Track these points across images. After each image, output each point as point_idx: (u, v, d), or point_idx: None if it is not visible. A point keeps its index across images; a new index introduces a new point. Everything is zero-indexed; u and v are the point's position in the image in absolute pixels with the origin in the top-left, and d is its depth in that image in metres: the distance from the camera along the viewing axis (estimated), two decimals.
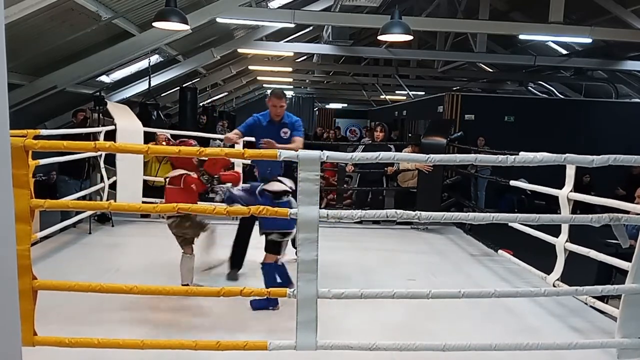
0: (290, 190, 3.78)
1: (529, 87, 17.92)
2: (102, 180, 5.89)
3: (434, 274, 4.94)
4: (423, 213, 2.63)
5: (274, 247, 3.78)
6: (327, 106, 27.24)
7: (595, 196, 4.26)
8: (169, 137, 6.62)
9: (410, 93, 16.58)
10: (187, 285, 3.78)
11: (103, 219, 6.25)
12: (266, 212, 2.49)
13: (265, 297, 3.65)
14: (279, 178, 3.87)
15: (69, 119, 9.53)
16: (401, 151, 8.18)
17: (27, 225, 2.55)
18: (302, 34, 14.50)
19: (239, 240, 4.52)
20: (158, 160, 6.76)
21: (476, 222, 2.83)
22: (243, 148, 5.04)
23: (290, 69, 16.44)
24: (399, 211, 2.65)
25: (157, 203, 6.46)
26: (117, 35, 7.94)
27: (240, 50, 11.80)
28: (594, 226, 2.84)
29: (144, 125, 6.60)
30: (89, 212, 5.56)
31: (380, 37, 7.28)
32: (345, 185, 8.29)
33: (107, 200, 5.88)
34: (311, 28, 13.85)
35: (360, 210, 2.75)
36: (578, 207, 4.44)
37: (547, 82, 17.03)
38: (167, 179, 4.06)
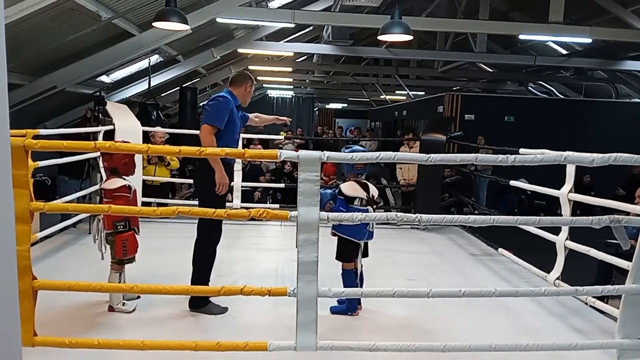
0: (366, 198, 3.69)
1: (529, 87, 17.91)
2: (101, 180, 5.89)
3: (434, 274, 4.94)
4: (423, 216, 2.63)
5: (342, 254, 3.76)
6: (327, 106, 27.25)
7: (595, 196, 4.26)
8: (161, 135, 6.67)
9: (410, 93, 16.57)
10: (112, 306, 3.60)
11: None
12: (266, 214, 2.49)
13: (344, 303, 3.72)
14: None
15: (69, 119, 9.56)
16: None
17: (27, 225, 2.55)
18: (302, 34, 14.49)
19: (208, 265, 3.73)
20: (152, 161, 6.76)
21: (477, 225, 2.83)
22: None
23: (290, 69, 16.43)
24: (399, 214, 2.66)
25: (156, 202, 6.57)
26: (117, 35, 7.94)
27: (240, 50, 11.79)
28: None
29: (144, 125, 6.61)
30: None
31: (380, 37, 7.27)
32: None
33: None
34: (311, 28, 13.85)
35: (360, 214, 2.74)
36: (578, 207, 4.45)
37: (547, 82, 17.02)
38: (104, 190, 3.66)
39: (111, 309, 3.58)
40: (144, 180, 6.53)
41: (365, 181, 3.83)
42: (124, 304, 3.60)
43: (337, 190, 3.81)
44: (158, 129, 6.83)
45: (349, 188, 3.71)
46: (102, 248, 3.60)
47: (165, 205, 6.68)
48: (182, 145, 2.72)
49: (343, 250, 3.74)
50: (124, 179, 3.68)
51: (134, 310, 3.61)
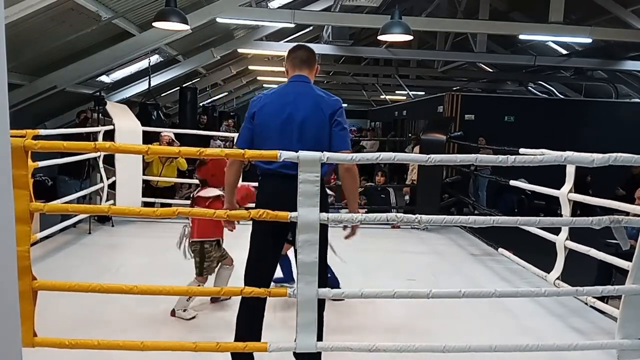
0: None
1: (529, 87, 17.91)
2: (101, 180, 5.89)
3: (434, 274, 4.94)
4: (424, 216, 2.63)
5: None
6: None
7: (593, 195, 4.26)
8: (173, 137, 6.63)
9: (410, 93, 16.58)
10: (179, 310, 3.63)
11: (103, 218, 6.25)
12: (266, 215, 2.48)
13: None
14: None
15: (69, 119, 9.56)
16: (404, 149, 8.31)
17: (27, 226, 2.54)
18: (302, 34, 14.48)
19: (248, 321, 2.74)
20: (161, 161, 6.75)
21: (477, 226, 2.82)
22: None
23: None
24: (399, 214, 2.65)
25: (158, 204, 6.58)
26: (117, 35, 7.94)
27: (240, 50, 11.79)
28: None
29: (144, 126, 6.61)
30: None
31: (380, 37, 7.28)
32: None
33: (107, 200, 5.89)
34: (311, 28, 13.84)
35: (360, 214, 2.74)
36: (578, 206, 4.45)
37: (547, 82, 17.02)
38: (197, 198, 3.73)
39: (172, 313, 3.60)
40: (151, 182, 6.55)
41: None
42: (185, 310, 3.60)
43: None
44: (166, 131, 6.83)
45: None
46: (186, 253, 3.74)
47: (169, 205, 6.68)
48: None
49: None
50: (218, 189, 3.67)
51: (193, 317, 3.60)
